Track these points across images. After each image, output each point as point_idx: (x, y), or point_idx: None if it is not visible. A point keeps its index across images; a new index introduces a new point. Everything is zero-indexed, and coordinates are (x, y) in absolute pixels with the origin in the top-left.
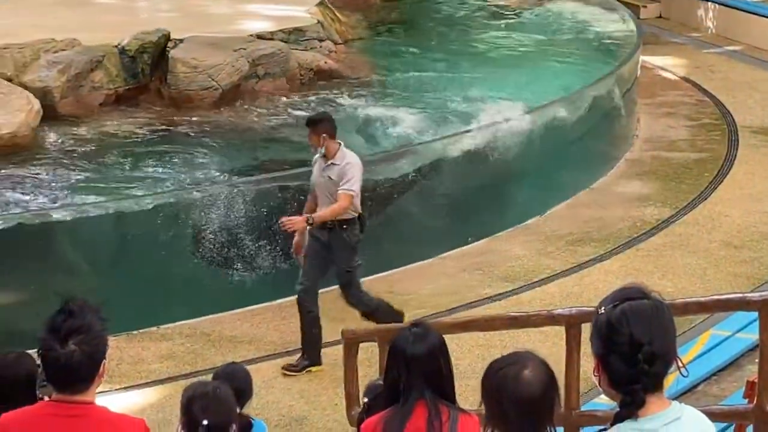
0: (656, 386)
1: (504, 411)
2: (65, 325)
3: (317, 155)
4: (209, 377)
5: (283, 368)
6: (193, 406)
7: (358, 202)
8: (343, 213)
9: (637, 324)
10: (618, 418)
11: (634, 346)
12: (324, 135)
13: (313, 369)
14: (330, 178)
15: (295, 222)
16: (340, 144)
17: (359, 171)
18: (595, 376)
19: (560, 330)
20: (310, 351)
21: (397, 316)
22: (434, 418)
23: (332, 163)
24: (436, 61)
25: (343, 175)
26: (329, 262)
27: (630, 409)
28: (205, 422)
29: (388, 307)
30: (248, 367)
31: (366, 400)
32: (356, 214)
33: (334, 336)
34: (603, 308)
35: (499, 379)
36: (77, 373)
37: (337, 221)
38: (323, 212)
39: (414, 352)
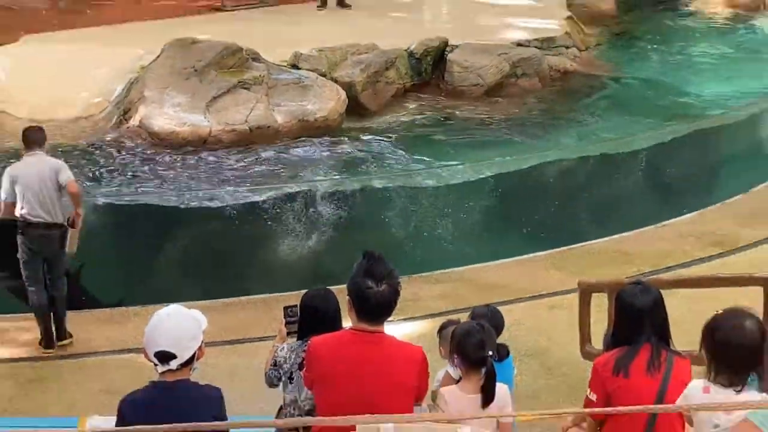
0: None
1: (729, 357)
2: (379, 269)
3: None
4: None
5: None
6: (468, 342)
7: None
8: None
9: None
10: None
11: None
12: None
13: None
14: None
15: None
16: None
17: None
18: None
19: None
20: None
21: None
22: (655, 358)
23: None
24: (670, 63)
25: None
26: None
27: None
28: (490, 352)
29: None
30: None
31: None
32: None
33: (571, 285)
34: None
35: (724, 329)
36: (386, 307)
37: None
38: None
39: (641, 304)
